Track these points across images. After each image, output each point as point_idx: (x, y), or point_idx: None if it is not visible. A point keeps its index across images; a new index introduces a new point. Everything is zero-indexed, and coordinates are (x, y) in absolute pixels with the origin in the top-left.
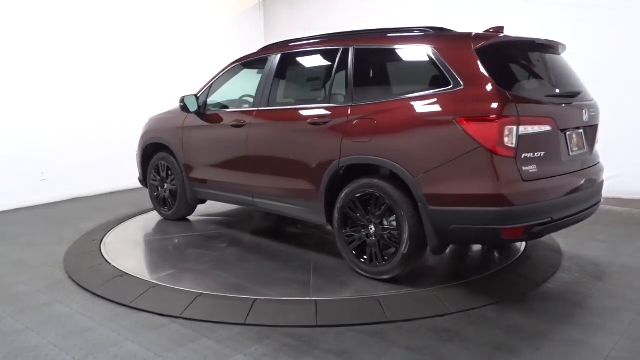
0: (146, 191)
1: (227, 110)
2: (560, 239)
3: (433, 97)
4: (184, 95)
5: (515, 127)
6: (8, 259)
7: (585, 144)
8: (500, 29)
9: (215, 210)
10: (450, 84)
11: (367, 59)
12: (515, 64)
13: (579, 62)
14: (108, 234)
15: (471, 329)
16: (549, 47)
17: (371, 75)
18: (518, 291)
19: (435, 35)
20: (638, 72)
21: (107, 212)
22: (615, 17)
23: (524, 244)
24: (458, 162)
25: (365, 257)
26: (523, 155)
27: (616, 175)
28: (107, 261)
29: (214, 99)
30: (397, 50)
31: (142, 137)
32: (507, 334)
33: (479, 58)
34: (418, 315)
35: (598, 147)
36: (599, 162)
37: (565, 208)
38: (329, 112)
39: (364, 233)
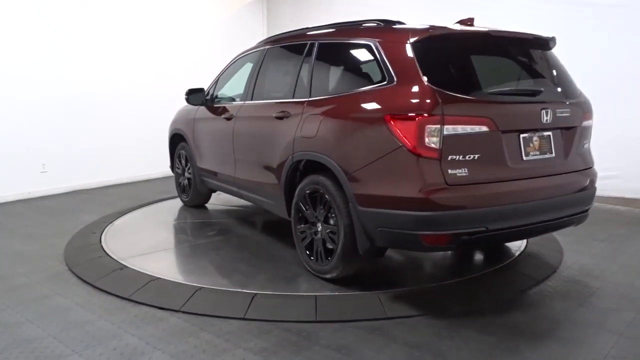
0: (147, 184)
1: (223, 104)
2: (561, 237)
3: (369, 93)
4: (189, 88)
5: (438, 127)
6: (8, 250)
7: (553, 148)
8: (470, 20)
9: (237, 200)
10: (386, 80)
11: (323, 54)
12: (457, 59)
13: (580, 60)
14: (108, 226)
15: (471, 326)
16: (511, 40)
17: (325, 70)
18: (518, 289)
19: (380, 29)
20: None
21: (107, 204)
22: (618, 15)
23: (524, 241)
24: (383, 162)
25: (311, 253)
26: (449, 158)
27: (617, 174)
28: (107, 254)
29: (218, 91)
30: (346, 45)
31: (170, 127)
32: (506, 332)
33: (414, 52)
34: (418, 312)
35: (592, 149)
36: (585, 168)
37: (508, 218)
38: (290, 107)
39: (312, 230)
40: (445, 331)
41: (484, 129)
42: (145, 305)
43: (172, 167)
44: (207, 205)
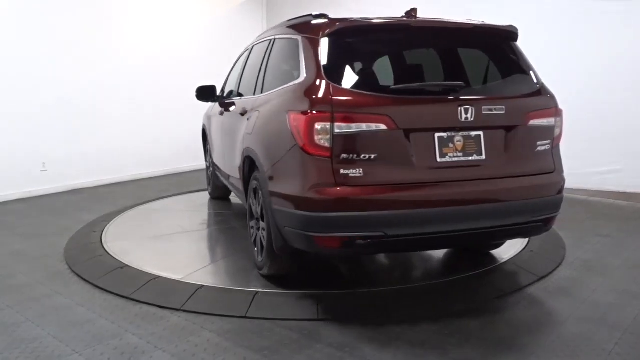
0: (148, 182)
1: (222, 100)
2: (563, 233)
3: (286, 90)
4: (199, 85)
5: (328, 125)
6: (8, 249)
7: (484, 149)
8: (413, 11)
9: None
10: (300, 76)
11: (274, 51)
12: (365, 53)
13: (582, 55)
14: (109, 225)
15: (473, 324)
16: (438, 31)
17: (272, 66)
18: (520, 285)
19: (306, 23)
20: None
21: (108, 203)
22: (620, 10)
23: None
24: (286, 160)
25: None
26: (342, 157)
27: (619, 169)
28: (107, 252)
29: (226, 88)
30: (285, 41)
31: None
32: (509, 329)
33: (321, 47)
34: (420, 310)
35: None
36: (539, 173)
37: (413, 224)
38: (247, 104)
39: (256, 226)
40: (447, 329)
41: (382, 127)
42: (146, 304)
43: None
44: (230, 197)
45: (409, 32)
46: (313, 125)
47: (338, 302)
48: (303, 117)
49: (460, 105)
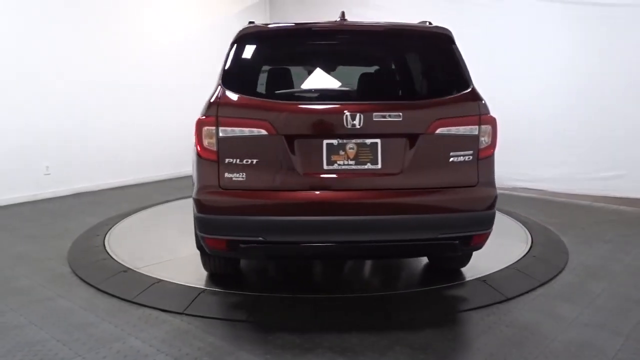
0: (152, 185)
1: None
2: (566, 238)
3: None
4: None
5: (213, 129)
6: (12, 252)
7: (380, 158)
8: (341, 15)
9: None
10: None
11: None
12: (263, 58)
13: (586, 59)
14: (112, 228)
15: (474, 328)
16: (340, 34)
17: None
18: (523, 291)
19: (240, 29)
20: None
21: (111, 206)
22: (622, 15)
23: (529, 242)
24: (194, 163)
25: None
26: (227, 161)
27: (623, 174)
28: (110, 256)
29: None
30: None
31: None
32: (511, 334)
33: (230, 52)
34: (421, 314)
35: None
36: (453, 187)
37: (291, 231)
38: None
39: None
40: (449, 332)
41: (263, 132)
42: (149, 307)
43: None
44: None
45: (315, 37)
46: (202, 129)
47: (338, 306)
48: (196, 121)
49: (347, 112)
